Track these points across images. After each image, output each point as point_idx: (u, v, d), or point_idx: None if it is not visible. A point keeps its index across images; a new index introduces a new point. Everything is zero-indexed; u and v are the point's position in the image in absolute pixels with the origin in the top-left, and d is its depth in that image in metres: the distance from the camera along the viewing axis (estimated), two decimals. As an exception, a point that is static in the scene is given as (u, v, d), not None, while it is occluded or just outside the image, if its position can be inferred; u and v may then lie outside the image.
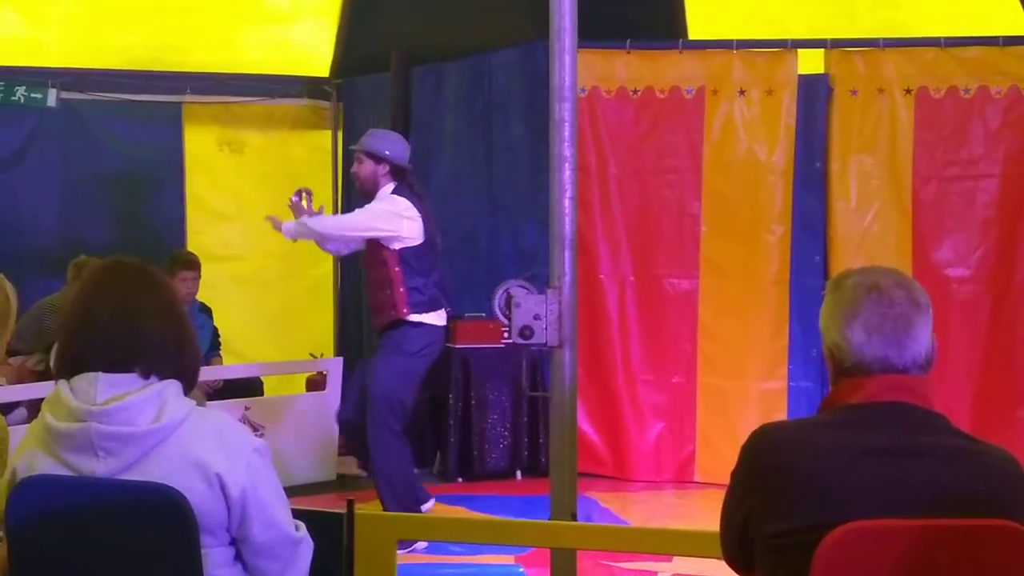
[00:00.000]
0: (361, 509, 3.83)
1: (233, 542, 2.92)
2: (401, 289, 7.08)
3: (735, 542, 2.78)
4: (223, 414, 3.05)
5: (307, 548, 3.04)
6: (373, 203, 7.25)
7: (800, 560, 2.53)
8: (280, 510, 2.94)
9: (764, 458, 2.69)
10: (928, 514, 2.56)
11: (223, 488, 2.82)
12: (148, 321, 2.93)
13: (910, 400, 2.70)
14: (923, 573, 2.55)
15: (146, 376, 2.89)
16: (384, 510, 6.85)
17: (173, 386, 2.90)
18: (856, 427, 2.68)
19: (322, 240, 7.49)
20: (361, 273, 7.54)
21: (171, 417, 2.83)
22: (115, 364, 2.88)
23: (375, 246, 7.19)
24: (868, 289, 2.74)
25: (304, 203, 7.39)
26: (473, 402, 8.74)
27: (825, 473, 2.61)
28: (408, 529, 4.16)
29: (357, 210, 7.55)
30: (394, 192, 7.22)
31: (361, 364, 7.72)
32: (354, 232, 7.34)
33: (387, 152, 7.30)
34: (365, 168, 7.32)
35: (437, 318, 7.23)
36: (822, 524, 2.53)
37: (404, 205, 7.15)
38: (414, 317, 7.13)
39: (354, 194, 10.44)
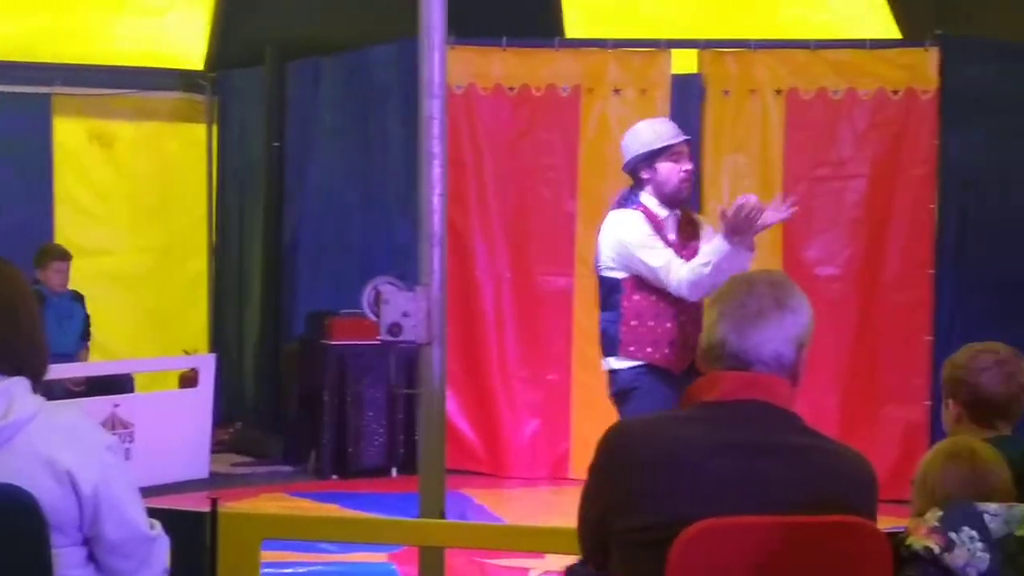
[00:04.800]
0: (228, 508, 3.77)
1: (86, 541, 2.87)
2: None
3: (592, 538, 2.78)
4: (75, 411, 2.99)
5: (162, 547, 2.99)
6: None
7: (655, 556, 2.53)
8: (134, 507, 2.89)
9: (620, 453, 2.69)
10: (781, 511, 2.57)
11: (74, 485, 2.77)
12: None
13: (764, 398, 2.71)
14: (776, 569, 2.58)
15: (-10, 374, 2.83)
16: None
17: (21, 383, 2.84)
18: (711, 424, 2.69)
19: None
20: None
21: (19, 414, 2.76)
22: (-43, 363, 2.81)
23: None
24: (740, 281, 2.81)
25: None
26: (348, 399, 8.70)
27: (679, 470, 2.61)
28: (273, 528, 4.11)
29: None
30: None
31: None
32: None
33: None
34: None
35: None
36: (677, 520, 2.53)
37: None
38: None
39: (230, 189, 10.42)
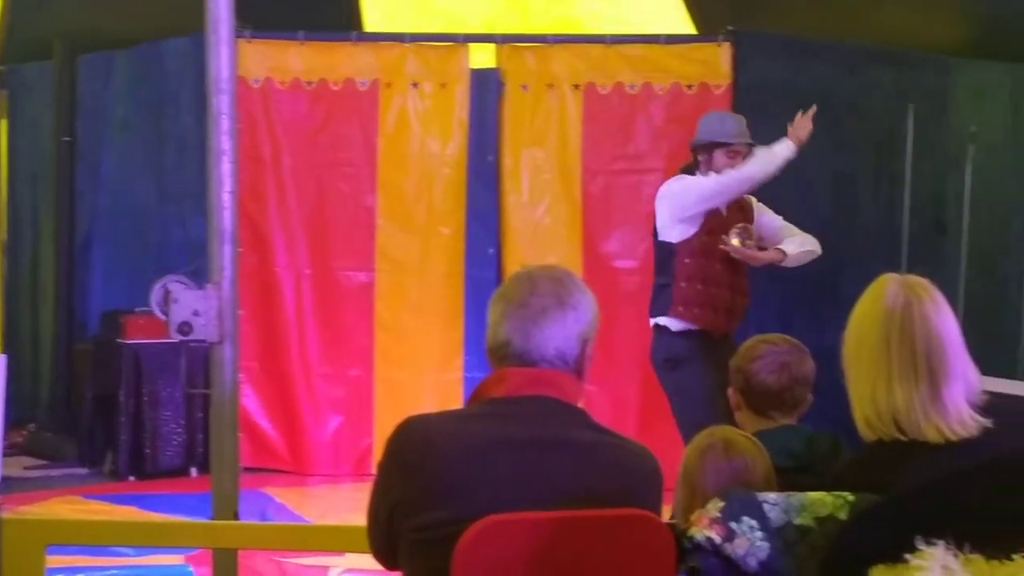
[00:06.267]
0: (12, 513, 3.67)
1: None
2: None
3: (381, 535, 2.78)
4: None
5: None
6: None
7: (442, 553, 2.54)
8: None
9: (407, 451, 2.69)
10: (567, 506, 2.61)
11: None
12: None
13: (551, 394, 2.75)
14: (563, 563, 2.60)
15: None
16: None
17: None
18: (498, 420, 2.71)
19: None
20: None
21: None
22: None
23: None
24: (522, 279, 2.81)
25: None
26: (145, 399, 8.53)
27: (466, 466, 2.63)
28: (59, 533, 4.00)
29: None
30: None
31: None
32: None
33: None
34: None
35: None
36: (464, 517, 2.55)
37: None
38: None
39: (21, 185, 10.13)
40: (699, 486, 3.01)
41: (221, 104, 4.34)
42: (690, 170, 6.68)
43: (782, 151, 6.36)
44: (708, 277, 6.38)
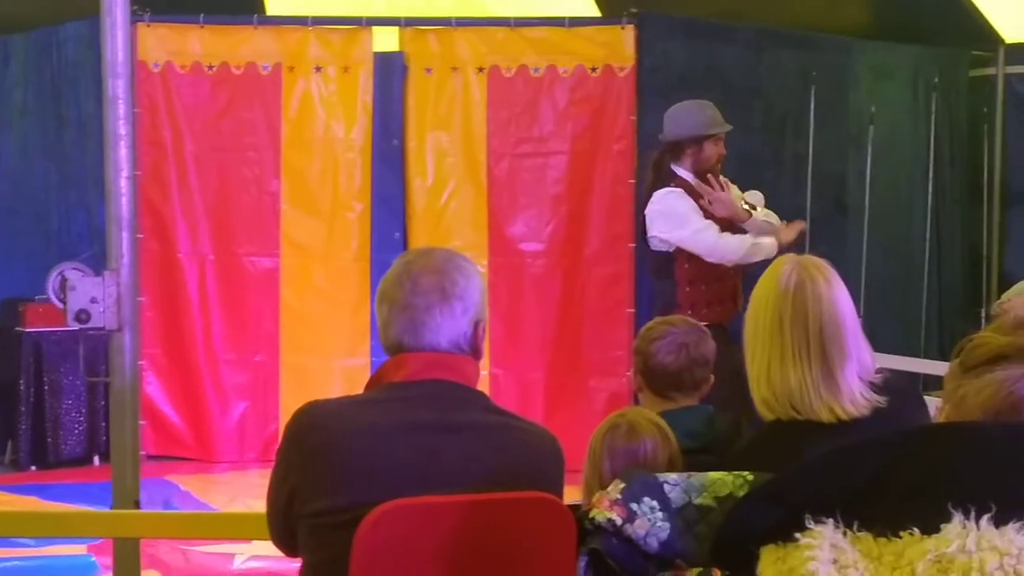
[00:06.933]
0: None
1: None
2: None
3: (280, 522, 2.77)
4: None
5: None
6: None
7: (342, 539, 2.53)
8: None
9: (306, 436, 2.69)
10: (467, 489, 2.61)
11: None
12: None
13: (450, 378, 2.75)
14: (464, 547, 2.60)
15: None
16: None
17: None
18: (397, 405, 2.72)
19: None
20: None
21: None
22: None
23: None
24: (402, 275, 2.80)
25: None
26: (46, 387, 8.42)
27: (366, 451, 2.63)
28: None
29: None
30: None
31: None
32: None
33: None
34: None
35: None
36: (364, 502, 2.54)
37: None
38: None
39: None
40: (600, 468, 3.02)
41: (117, 88, 4.28)
42: (659, 167, 6.57)
43: (766, 248, 6.34)
44: (710, 276, 6.39)
